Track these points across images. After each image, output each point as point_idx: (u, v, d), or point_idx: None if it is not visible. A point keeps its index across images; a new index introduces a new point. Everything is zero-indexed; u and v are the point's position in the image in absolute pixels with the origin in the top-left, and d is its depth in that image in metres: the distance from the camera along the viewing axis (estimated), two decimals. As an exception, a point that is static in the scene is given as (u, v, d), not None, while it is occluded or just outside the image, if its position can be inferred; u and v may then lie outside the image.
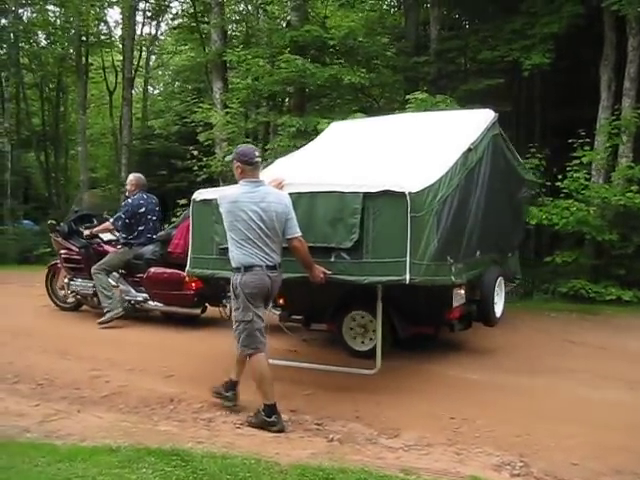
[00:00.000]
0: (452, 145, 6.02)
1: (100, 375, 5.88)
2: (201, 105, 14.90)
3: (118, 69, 24.38)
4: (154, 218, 8.18)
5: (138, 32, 23.58)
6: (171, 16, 23.13)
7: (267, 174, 5.32)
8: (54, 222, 9.22)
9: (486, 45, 11.98)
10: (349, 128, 7.86)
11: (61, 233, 8.59)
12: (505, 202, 7.37)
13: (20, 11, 23.09)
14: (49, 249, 13.25)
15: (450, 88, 12.03)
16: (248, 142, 12.75)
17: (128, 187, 8.43)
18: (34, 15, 23.85)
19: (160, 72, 28.96)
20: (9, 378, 5.85)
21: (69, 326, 7.90)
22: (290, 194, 4.73)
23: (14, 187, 19.75)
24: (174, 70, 27.16)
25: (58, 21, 23.70)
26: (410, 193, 4.60)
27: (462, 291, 6.09)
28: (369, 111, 10.75)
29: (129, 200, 8.20)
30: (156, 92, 29.70)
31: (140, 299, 7.95)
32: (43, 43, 25.34)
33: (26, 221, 20.94)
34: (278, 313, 6.64)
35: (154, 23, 24.86)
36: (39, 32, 24.20)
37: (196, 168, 13.86)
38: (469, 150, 5.99)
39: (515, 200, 7.92)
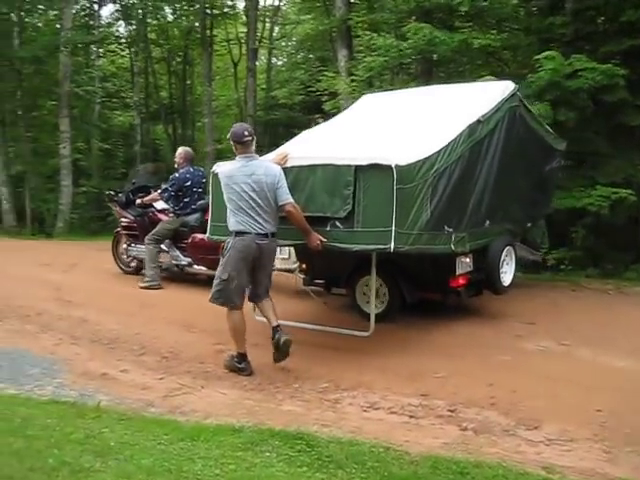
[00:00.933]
0: (460, 117, 6.31)
1: (224, 350, 5.87)
2: (326, 73, 14.77)
3: (242, 41, 24.89)
4: (200, 190, 8.82)
5: (262, 3, 23.70)
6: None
7: (288, 146, 6.35)
8: (112, 192, 10.18)
9: (628, 3, 10.82)
10: (376, 101, 8.27)
11: (119, 203, 9.61)
12: (527, 172, 7.62)
13: None
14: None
15: (588, 50, 11.03)
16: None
17: (177, 160, 9.01)
18: None
19: (283, 43, 29.11)
20: (136, 350, 6.05)
21: (194, 298, 8.07)
22: (292, 167, 5.39)
23: (143, 158, 20.79)
24: (297, 40, 27.19)
25: None
26: (397, 166, 4.95)
27: (468, 259, 6.47)
28: (500, 75, 10.04)
29: (176, 174, 8.82)
30: (279, 63, 29.92)
31: (184, 263, 8.88)
32: (170, 18, 26.37)
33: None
34: (302, 277, 7.23)
35: None
36: (165, 7, 25.14)
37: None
38: (478, 122, 6.29)
39: (541, 170, 8.09)
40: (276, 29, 26.50)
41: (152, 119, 26.24)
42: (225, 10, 24.18)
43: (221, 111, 27.08)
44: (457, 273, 6.39)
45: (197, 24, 23.93)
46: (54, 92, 18.23)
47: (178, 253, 8.93)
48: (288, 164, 5.49)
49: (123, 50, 27.66)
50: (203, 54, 23.35)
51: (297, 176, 5.41)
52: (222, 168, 5.45)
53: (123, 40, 26.94)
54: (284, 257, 7.74)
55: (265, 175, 5.07)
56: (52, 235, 17.03)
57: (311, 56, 24.91)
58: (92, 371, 5.42)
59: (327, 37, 19.76)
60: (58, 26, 18.86)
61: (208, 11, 22.77)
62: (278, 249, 5.96)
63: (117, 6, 25.91)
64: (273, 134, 21.54)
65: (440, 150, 5.63)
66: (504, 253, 6.87)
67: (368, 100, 8.34)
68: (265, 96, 24.63)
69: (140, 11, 23.34)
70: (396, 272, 6.58)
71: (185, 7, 24.13)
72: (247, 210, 5.04)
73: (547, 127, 8.24)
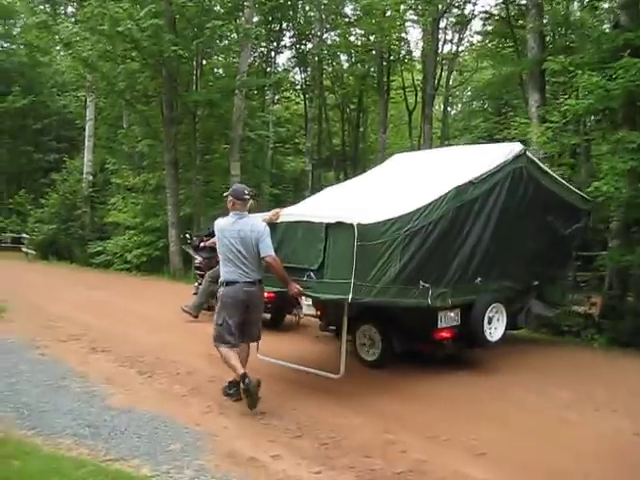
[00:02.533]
0: (452, 179, 6.95)
1: (395, 440, 5.05)
2: (516, 119, 13.66)
3: (418, 88, 24.69)
4: None
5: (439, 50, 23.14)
6: (480, 22, 22.22)
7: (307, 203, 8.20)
8: (187, 235, 12.41)
9: None
10: (398, 161, 9.26)
11: (192, 245, 11.23)
12: (538, 232, 8.07)
13: (324, 36, 24.81)
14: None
15: None
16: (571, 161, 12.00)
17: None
18: (336, 38, 25.59)
19: (457, 92, 28.57)
20: (291, 430, 5.38)
21: (365, 371, 7.30)
22: (281, 223, 6.43)
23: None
24: (475, 87, 26.67)
25: (359, 42, 24.99)
26: (359, 224, 5.67)
27: (452, 313, 7.03)
28: None
29: None
30: (453, 112, 29.39)
31: None
32: (345, 65, 26.86)
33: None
34: (319, 323, 8.20)
35: (455, 40, 24.42)
36: (341, 54, 25.67)
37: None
38: (470, 183, 6.96)
39: (558, 230, 8.45)
40: (452, 77, 25.78)
41: (324, 165, 26.68)
42: (402, 54, 24.11)
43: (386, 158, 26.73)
44: (439, 326, 6.97)
45: (372, 70, 24.14)
46: (227, 135, 18.71)
47: None
48: (279, 220, 6.49)
49: (298, 96, 28.67)
50: (379, 101, 23.44)
51: (284, 231, 6.44)
52: (219, 222, 6.08)
53: (298, 87, 27.87)
54: (309, 304, 8.82)
55: (251, 231, 5.87)
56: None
57: (486, 105, 24.17)
58: (239, 452, 4.85)
59: (515, 81, 18.74)
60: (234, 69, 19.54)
61: (385, 55, 22.65)
62: (303, 298, 7.97)
63: (293, 52, 27.02)
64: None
65: (417, 210, 6.35)
66: (490, 309, 7.27)
67: (394, 160, 9.41)
68: (440, 144, 23.91)
69: (316, 58, 23.76)
70: (387, 322, 7.35)
71: (362, 54, 24.27)
72: (234, 261, 5.88)
73: (571, 187, 8.72)
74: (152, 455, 4.68)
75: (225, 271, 5.94)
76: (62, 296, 13.17)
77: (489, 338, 7.24)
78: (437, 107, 26.99)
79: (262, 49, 26.50)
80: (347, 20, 24.45)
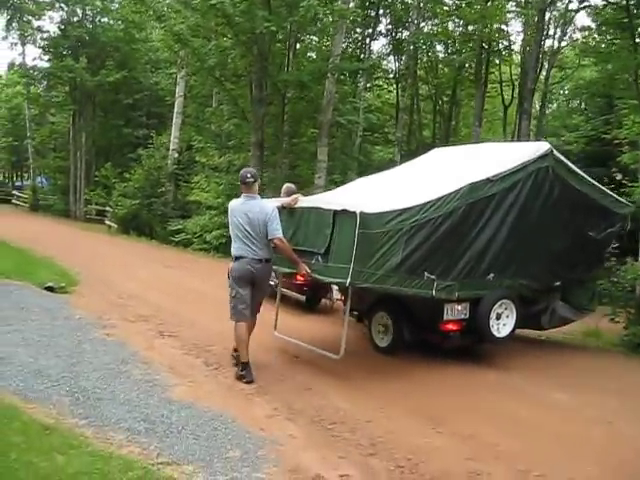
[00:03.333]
0: (470, 175, 7.15)
1: (479, 471, 4.46)
2: (629, 119, 12.53)
3: (515, 82, 23.79)
4: None
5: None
6: (584, 16, 21.05)
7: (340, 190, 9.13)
8: None
9: None
10: (435, 155, 9.51)
11: None
12: (563, 233, 8.03)
13: (421, 24, 24.13)
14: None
15: None
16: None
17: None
18: (434, 28, 25.04)
19: (554, 89, 27.25)
20: (363, 445, 4.87)
21: (446, 378, 6.70)
22: (298, 208, 6.87)
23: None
24: (575, 84, 25.39)
25: (457, 32, 24.34)
26: (362, 213, 6.04)
27: (460, 307, 7.16)
28: None
29: None
30: (549, 110, 28.08)
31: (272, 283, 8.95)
32: (440, 55, 26.03)
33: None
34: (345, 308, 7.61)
35: (558, 35, 23.24)
36: (437, 44, 24.91)
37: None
38: (488, 180, 7.11)
39: (587, 232, 8.30)
40: (552, 72, 24.54)
41: (412, 156, 25.73)
42: (502, 47, 23.29)
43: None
44: (445, 318, 7.15)
45: (467, 65, 23.46)
46: (316, 119, 18.26)
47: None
48: (297, 205, 6.94)
49: (390, 85, 28.03)
50: (475, 93, 22.41)
51: (300, 216, 6.88)
52: (231, 203, 6.64)
53: (391, 75, 27.23)
54: (337, 288, 9.03)
55: (259, 212, 6.26)
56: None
57: (582, 104, 22.89)
58: (304, 467, 4.40)
59: (624, 78, 17.48)
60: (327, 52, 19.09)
61: (485, 45, 21.66)
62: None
63: (388, 40, 26.37)
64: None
65: (426, 203, 6.59)
66: (499, 304, 7.37)
67: (432, 153, 9.72)
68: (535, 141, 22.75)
69: (411, 46, 23.02)
70: (399, 311, 7.63)
71: (460, 43, 23.41)
72: (243, 239, 6.29)
73: (606, 190, 8.54)
74: (208, 462, 4.29)
75: (234, 247, 6.41)
76: (137, 273, 13.07)
77: (496, 334, 7.38)
78: (535, 103, 25.82)
79: (357, 35, 26.02)
80: (446, 9, 23.61)
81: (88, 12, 31.05)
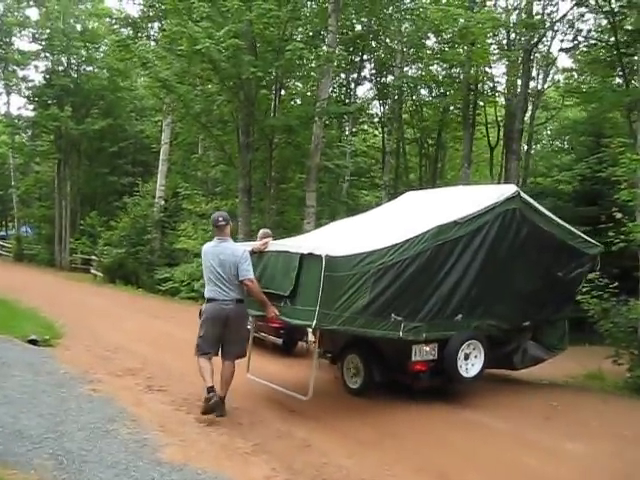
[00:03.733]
0: (438, 218, 7.35)
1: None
2: (626, 156, 12.48)
3: (501, 124, 24.18)
4: None
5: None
6: (566, 58, 21.50)
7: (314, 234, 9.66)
8: None
9: None
10: (405, 199, 9.86)
11: None
12: (532, 273, 8.13)
13: (405, 68, 24.60)
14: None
15: None
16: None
17: None
18: (419, 71, 25.52)
19: (538, 130, 27.71)
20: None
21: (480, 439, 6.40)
22: (267, 252, 7.01)
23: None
24: (561, 125, 25.82)
25: (440, 75, 24.89)
26: (327, 256, 6.21)
27: (428, 348, 7.30)
28: None
29: None
30: (533, 151, 28.53)
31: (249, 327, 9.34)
32: (425, 98, 26.38)
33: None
34: (318, 350, 7.86)
35: (541, 76, 24.01)
36: (421, 88, 25.32)
37: (612, 234, 11.27)
38: (455, 223, 7.33)
39: (556, 273, 8.39)
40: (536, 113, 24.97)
41: (398, 200, 25.79)
42: (486, 88, 23.84)
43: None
44: (413, 359, 7.27)
45: (453, 106, 23.61)
46: (304, 164, 18.14)
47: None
48: (268, 249, 7.08)
49: (375, 129, 28.22)
50: (464, 134, 22.61)
51: (268, 259, 6.99)
52: (204, 247, 6.86)
53: (376, 119, 27.47)
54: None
55: (231, 254, 6.51)
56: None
57: (566, 145, 23.21)
58: None
59: (608, 118, 17.70)
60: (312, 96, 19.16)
61: (472, 87, 21.94)
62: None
63: (373, 84, 26.70)
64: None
65: (393, 246, 6.78)
66: (467, 345, 7.47)
67: (404, 197, 10.03)
68: (521, 183, 22.91)
69: (397, 90, 23.29)
70: (369, 353, 7.73)
71: (446, 85, 23.77)
72: (215, 281, 6.51)
73: (575, 231, 8.74)
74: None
75: (207, 290, 6.67)
76: (123, 324, 12.72)
77: (464, 374, 7.48)
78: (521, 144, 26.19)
79: (342, 80, 26.31)
80: (429, 52, 23.98)
81: (73, 61, 31.15)
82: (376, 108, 28.14)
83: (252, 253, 6.88)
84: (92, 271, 25.32)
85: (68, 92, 30.01)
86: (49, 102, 30.26)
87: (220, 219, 6.68)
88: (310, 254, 6.36)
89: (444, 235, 7.24)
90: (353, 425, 6.49)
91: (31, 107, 32.08)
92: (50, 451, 5.12)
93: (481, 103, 24.05)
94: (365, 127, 28.75)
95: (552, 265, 8.38)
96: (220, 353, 6.62)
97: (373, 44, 25.38)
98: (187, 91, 17.04)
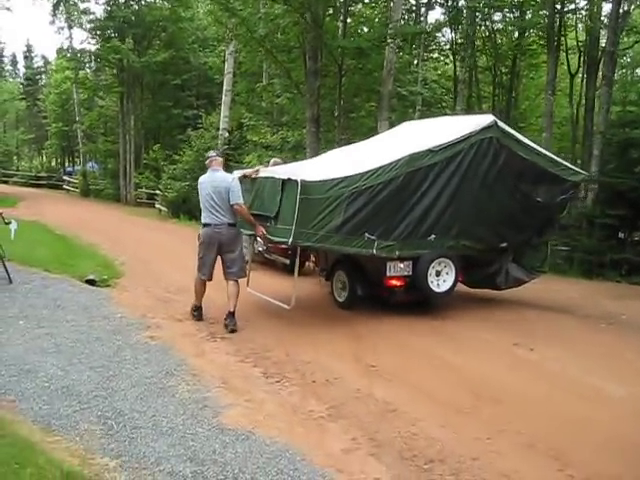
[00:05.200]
0: (414, 146, 7.96)
1: None
2: None
3: (581, 49, 21.88)
4: None
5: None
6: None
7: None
8: None
9: None
10: (400, 128, 10.24)
11: None
12: (510, 198, 8.59)
13: None
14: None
15: None
16: None
17: None
18: None
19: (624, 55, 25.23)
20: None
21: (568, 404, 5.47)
22: (257, 178, 7.82)
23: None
24: None
25: None
26: (302, 180, 6.93)
27: (402, 264, 7.97)
28: None
29: None
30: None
31: (260, 249, 11.28)
32: (498, 25, 24.34)
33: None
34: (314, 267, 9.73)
35: None
36: (494, 12, 23.22)
37: None
38: (429, 151, 7.86)
39: (535, 198, 8.75)
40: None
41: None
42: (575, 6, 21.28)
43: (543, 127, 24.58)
44: (387, 274, 7.92)
45: (531, 30, 21.49)
46: (375, 92, 16.89)
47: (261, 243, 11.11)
48: (258, 176, 7.83)
49: (446, 57, 26.50)
50: (548, 58, 20.59)
51: (259, 185, 7.73)
52: (200, 178, 7.59)
53: (447, 47, 25.70)
54: None
55: (222, 181, 7.25)
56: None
57: None
58: None
59: None
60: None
61: (558, 6, 19.88)
62: None
63: (445, 8, 24.79)
64: (625, 158, 17.62)
65: (367, 172, 7.41)
66: (438, 262, 8.05)
67: (400, 127, 10.34)
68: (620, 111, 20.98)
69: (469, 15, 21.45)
70: (354, 270, 8.39)
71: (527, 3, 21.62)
72: (209, 208, 7.23)
73: (557, 159, 9.08)
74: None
75: (203, 216, 7.37)
76: (187, 263, 11.97)
77: (435, 289, 8.10)
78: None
79: (411, 5, 24.44)
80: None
81: (133, -9, 30.33)
82: (447, 34, 26.32)
83: (243, 179, 7.74)
84: (156, 206, 25.01)
85: (129, 24, 29.38)
86: (110, 35, 29.72)
87: (213, 154, 7.70)
88: (289, 179, 7.09)
89: (418, 162, 7.75)
90: (444, 387, 5.65)
91: (93, 41, 31.59)
92: (99, 413, 4.53)
93: (570, 20, 21.88)
94: (434, 55, 26.99)
95: (532, 191, 8.75)
96: (223, 275, 7.38)
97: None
98: (250, 14, 15.94)
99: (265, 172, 7.93)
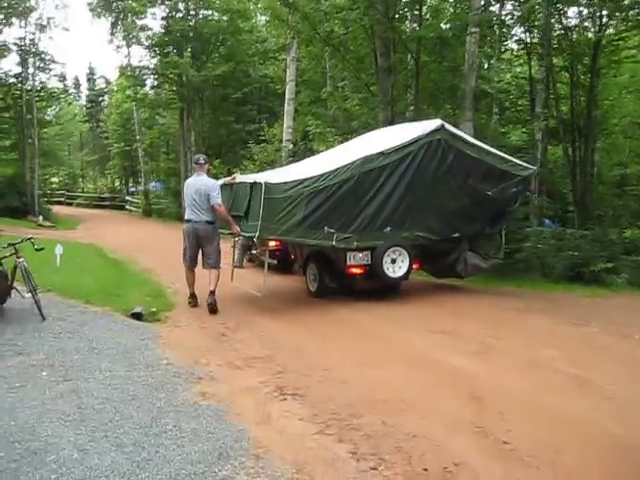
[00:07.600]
0: (366, 150, 9.17)
1: None
2: None
3: None
4: None
5: None
6: None
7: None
8: None
9: None
10: (369, 135, 11.67)
11: None
12: (460, 193, 9.70)
13: None
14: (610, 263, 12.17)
15: None
16: None
17: None
18: None
19: None
20: None
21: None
22: (234, 183, 9.07)
23: (540, 182, 17.23)
24: None
25: None
26: (266, 183, 8.16)
27: (361, 254, 9.09)
28: None
29: None
30: None
31: (254, 252, 13.09)
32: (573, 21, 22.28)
33: (547, 221, 18.15)
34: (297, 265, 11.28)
35: None
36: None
37: None
38: (380, 154, 9.02)
39: (485, 192, 9.78)
40: None
41: (549, 137, 22.18)
42: None
43: (628, 129, 22.79)
44: (348, 263, 9.13)
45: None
46: (455, 90, 15.07)
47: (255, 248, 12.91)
48: (235, 181, 9.17)
49: (520, 57, 24.48)
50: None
51: (235, 189, 9.03)
52: (187, 180, 9.13)
53: (519, 46, 23.76)
54: None
55: (204, 185, 8.56)
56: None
57: None
58: None
59: None
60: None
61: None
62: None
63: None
64: None
65: (323, 174, 8.60)
66: (393, 251, 9.17)
67: (367, 134, 11.86)
68: None
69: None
70: (322, 262, 9.70)
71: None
72: (191, 207, 8.61)
73: (506, 156, 10.20)
74: None
75: (186, 213, 8.75)
76: (247, 290, 10.69)
77: (391, 275, 9.16)
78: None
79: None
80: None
81: (191, 5, 29.59)
82: (519, 33, 24.30)
83: (225, 185, 9.03)
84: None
85: (187, 38, 28.58)
86: (168, 51, 29.08)
87: (201, 159, 8.97)
88: (255, 182, 8.37)
89: (370, 164, 8.92)
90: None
91: (151, 57, 31.04)
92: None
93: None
94: (505, 56, 24.98)
95: (481, 186, 9.76)
96: (202, 264, 8.72)
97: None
98: (313, 8, 14.52)
99: (240, 178, 9.29)
